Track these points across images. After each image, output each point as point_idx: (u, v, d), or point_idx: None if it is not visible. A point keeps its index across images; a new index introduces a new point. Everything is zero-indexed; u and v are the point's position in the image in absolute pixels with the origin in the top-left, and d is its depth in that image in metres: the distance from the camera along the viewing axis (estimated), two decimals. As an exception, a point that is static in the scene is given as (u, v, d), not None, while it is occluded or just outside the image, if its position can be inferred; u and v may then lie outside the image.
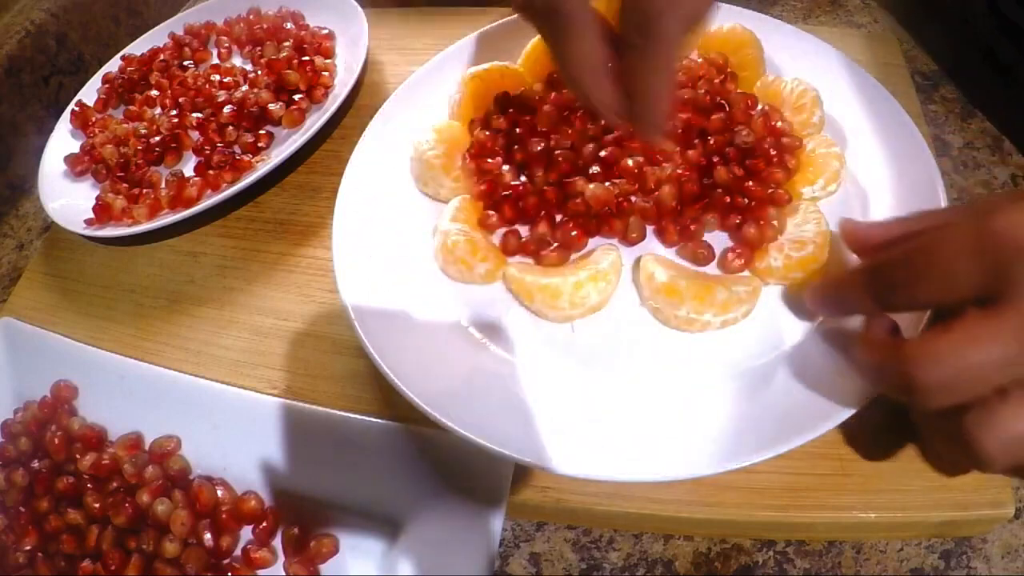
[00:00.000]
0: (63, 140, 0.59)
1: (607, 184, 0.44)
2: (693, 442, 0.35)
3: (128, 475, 0.40)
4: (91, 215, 0.52)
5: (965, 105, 0.56)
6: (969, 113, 0.55)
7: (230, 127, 0.56)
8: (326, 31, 0.62)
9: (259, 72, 0.59)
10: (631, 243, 0.43)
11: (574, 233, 0.43)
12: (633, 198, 0.44)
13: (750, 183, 0.43)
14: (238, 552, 0.39)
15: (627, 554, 0.39)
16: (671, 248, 0.43)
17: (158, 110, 0.60)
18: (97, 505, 0.40)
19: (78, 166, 0.57)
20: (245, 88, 0.58)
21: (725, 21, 0.51)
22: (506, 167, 0.46)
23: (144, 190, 0.54)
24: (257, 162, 0.54)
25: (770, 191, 0.42)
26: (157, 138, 0.57)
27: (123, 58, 0.64)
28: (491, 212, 0.45)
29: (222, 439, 0.42)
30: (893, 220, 0.36)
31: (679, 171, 0.44)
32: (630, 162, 0.44)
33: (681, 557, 0.39)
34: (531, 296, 0.40)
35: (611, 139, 0.46)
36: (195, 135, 0.57)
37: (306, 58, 0.59)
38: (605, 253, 0.41)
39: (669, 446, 0.35)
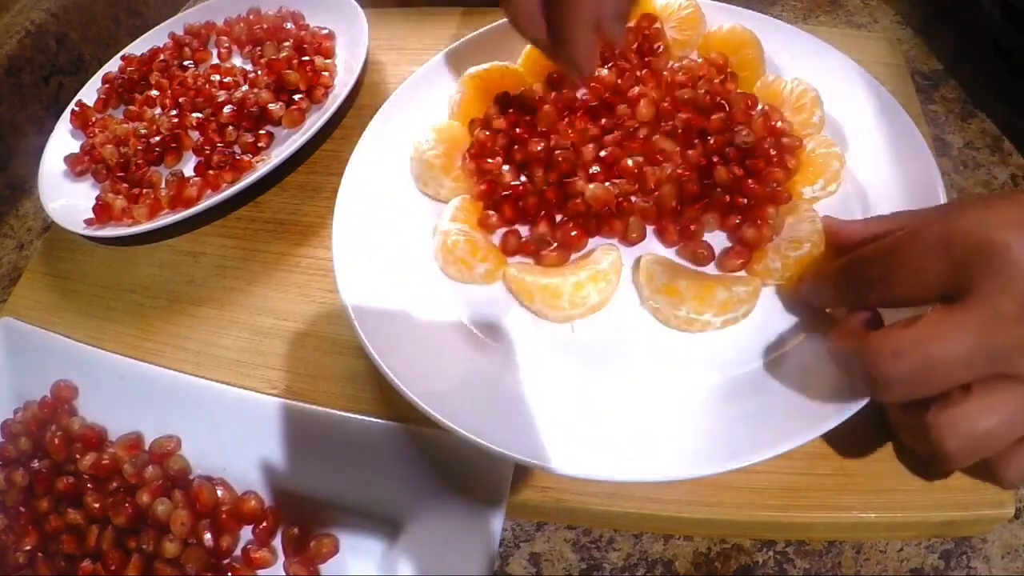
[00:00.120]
0: (63, 140, 0.59)
1: (607, 184, 0.44)
2: (693, 442, 0.35)
3: (128, 475, 0.40)
4: (91, 215, 0.52)
5: (965, 105, 0.56)
6: (969, 113, 0.55)
7: (230, 127, 0.56)
8: (326, 31, 0.63)
9: (259, 72, 0.59)
10: (631, 243, 0.43)
11: (574, 233, 0.43)
12: (633, 198, 0.44)
13: (750, 183, 0.43)
14: (238, 552, 0.39)
15: (627, 554, 0.39)
16: (671, 248, 0.43)
17: (158, 110, 0.60)
18: (97, 505, 0.40)
19: (78, 166, 0.57)
20: (245, 88, 0.58)
21: (725, 21, 0.51)
22: (506, 167, 0.46)
23: (144, 190, 0.54)
24: (257, 162, 0.54)
25: (770, 189, 0.42)
26: (157, 138, 0.57)
27: (123, 58, 0.64)
28: (491, 212, 0.45)
29: (222, 439, 0.42)
30: (874, 219, 0.37)
31: (679, 171, 0.44)
32: (630, 162, 0.44)
33: (681, 557, 0.39)
34: (531, 296, 0.40)
35: (611, 139, 0.46)
36: (195, 135, 0.57)
37: (306, 58, 0.59)
38: (605, 253, 0.41)
39: (669, 446, 0.35)
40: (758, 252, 0.41)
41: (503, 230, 0.44)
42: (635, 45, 0.50)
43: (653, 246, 0.43)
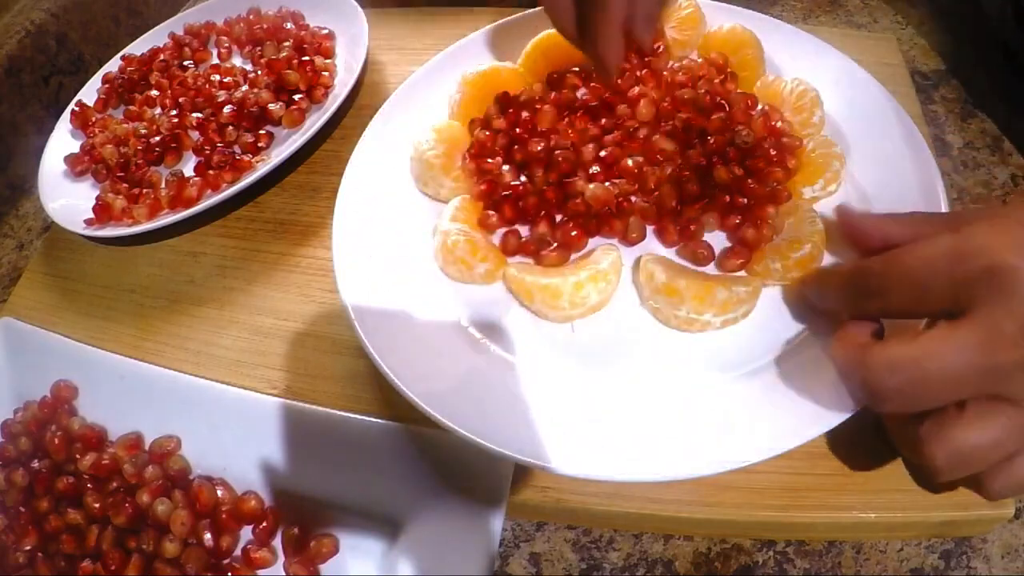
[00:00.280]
0: (63, 140, 0.59)
1: (607, 184, 0.44)
2: (693, 442, 0.35)
3: (128, 475, 0.40)
4: (91, 215, 0.52)
5: (965, 105, 0.56)
6: (969, 113, 0.55)
7: (230, 127, 0.56)
8: (326, 31, 0.62)
9: (259, 72, 0.59)
10: (631, 243, 0.43)
11: (574, 233, 0.43)
12: (633, 198, 0.44)
13: (750, 183, 0.43)
14: (238, 552, 0.39)
15: (627, 554, 0.39)
16: (671, 248, 0.43)
17: (158, 110, 0.60)
18: (97, 505, 0.40)
19: (78, 166, 0.57)
20: (245, 88, 0.58)
21: (725, 21, 0.51)
22: (506, 167, 0.46)
23: (144, 190, 0.54)
24: (257, 162, 0.54)
25: (770, 189, 0.42)
26: (157, 138, 0.57)
27: (123, 58, 0.64)
28: (491, 212, 0.45)
29: (222, 439, 0.42)
30: (889, 219, 0.36)
31: (679, 171, 0.44)
32: (630, 162, 0.44)
33: (681, 557, 0.39)
34: (531, 296, 0.40)
35: (611, 139, 0.46)
36: (195, 135, 0.57)
37: (306, 58, 0.59)
38: (605, 253, 0.41)
39: (669, 446, 0.35)
40: (758, 252, 0.41)
41: (503, 230, 0.44)
42: (635, 45, 0.50)
43: (653, 246, 0.43)
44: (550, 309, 0.40)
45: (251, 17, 0.66)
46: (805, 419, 0.34)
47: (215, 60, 0.65)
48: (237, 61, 0.64)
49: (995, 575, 0.37)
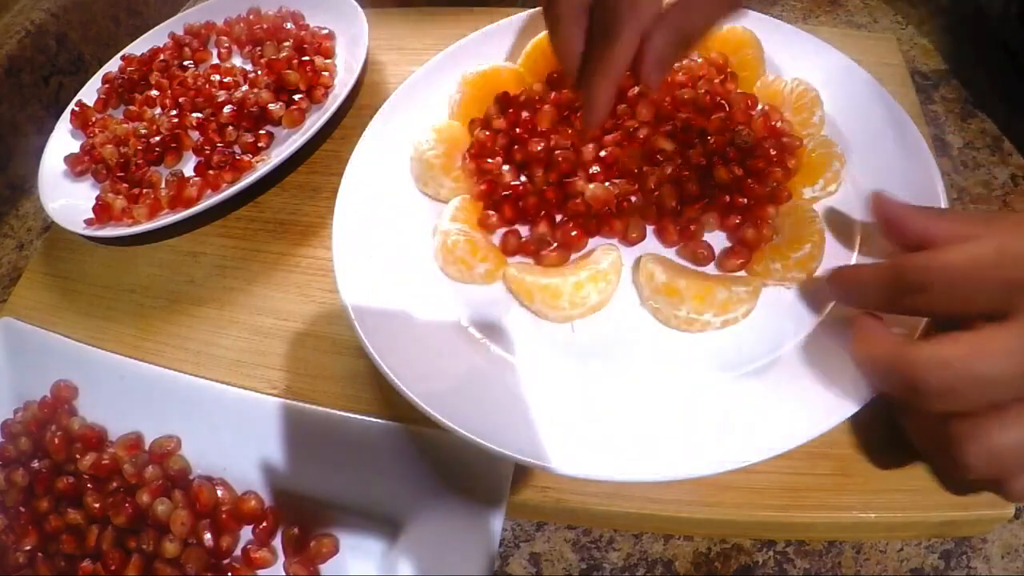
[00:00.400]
0: (63, 140, 0.59)
1: (607, 184, 0.44)
2: (693, 442, 0.35)
3: (128, 475, 0.40)
4: (91, 215, 0.52)
5: (965, 105, 0.56)
6: (969, 113, 0.55)
7: (230, 127, 0.56)
8: (326, 31, 0.62)
9: (259, 72, 0.59)
10: (631, 243, 0.43)
11: (574, 233, 0.43)
12: (633, 198, 0.44)
13: (750, 183, 0.43)
14: (238, 552, 0.39)
15: (627, 554, 0.39)
16: (671, 248, 0.43)
17: (158, 110, 0.60)
18: (97, 505, 0.40)
19: (78, 166, 0.57)
20: (245, 88, 0.58)
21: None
22: (506, 167, 0.46)
23: (144, 190, 0.54)
24: (257, 162, 0.54)
25: (770, 189, 0.42)
26: (157, 138, 0.57)
27: (123, 58, 0.64)
28: (491, 212, 0.44)
29: (222, 439, 0.42)
30: (927, 216, 0.35)
31: (679, 171, 0.44)
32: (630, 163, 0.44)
33: (681, 557, 0.39)
34: (531, 296, 0.40)
35: (611, 139, 0.46)
36: (195, 135, 0.57)
37: (306, 58, 0.59)
38: (605, 253, 0.41)
39: (669, 446, 0.35)
40: (758, 252, 0.41)
41: (503, 230, 0.44)
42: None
43: (653, 246, 0.43)
44: (550, 309, 0.40)
45: (251, 17, 0.66)
46: (805, 419, 0.34)
47: (215, 60, 0.65)
48: (237, 61, 0.64)
49: (995, 575, 0.37)
